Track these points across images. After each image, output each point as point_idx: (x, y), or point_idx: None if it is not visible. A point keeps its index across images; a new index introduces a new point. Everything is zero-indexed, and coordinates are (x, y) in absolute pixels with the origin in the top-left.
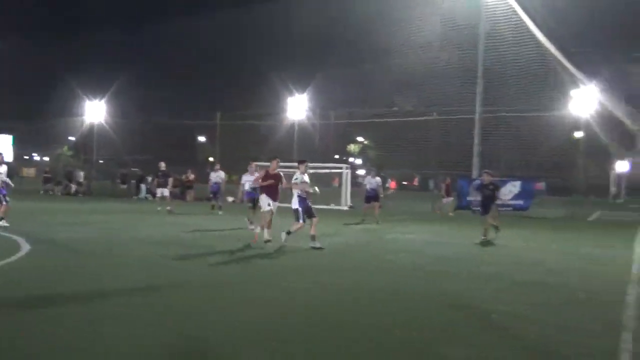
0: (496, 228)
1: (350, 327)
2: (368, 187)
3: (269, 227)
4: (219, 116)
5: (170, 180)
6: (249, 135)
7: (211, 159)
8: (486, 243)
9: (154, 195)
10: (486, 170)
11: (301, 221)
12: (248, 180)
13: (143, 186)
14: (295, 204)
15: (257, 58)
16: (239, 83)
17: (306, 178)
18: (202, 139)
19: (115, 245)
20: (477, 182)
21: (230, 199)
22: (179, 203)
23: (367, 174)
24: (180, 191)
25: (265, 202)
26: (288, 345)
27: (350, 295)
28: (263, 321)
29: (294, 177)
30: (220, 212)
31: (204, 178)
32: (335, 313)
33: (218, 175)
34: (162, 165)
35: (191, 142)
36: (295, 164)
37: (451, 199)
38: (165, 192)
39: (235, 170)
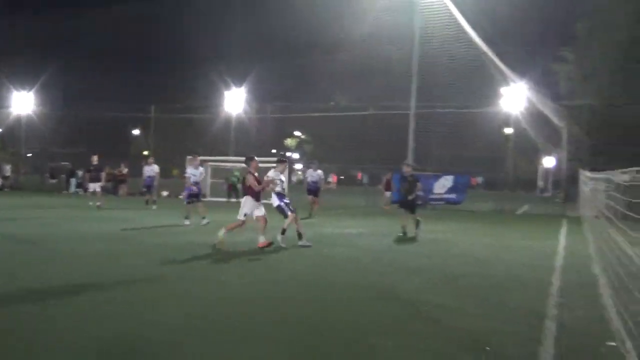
0: (417, 222)
1: (282, 319)
2: (309, 180)
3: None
4: (154, 109)
5: (103, 175)
6: (184, 129)
7: (145, 152)
8: (411, 236)
9: (85, 189)
10: (406, 162)
11: (289, 213)
12: (193, 174)
13: (73, 180)
14: (275, 201)
15: (194, 50)
16: (175, 75)
17: (283, 177)
18: (136, 132)
19: (54, 242)
20: (397, 175)
21: (164, 193)
22: (112, 198)
23: (309, 167)
24: (113, 185)
25: (254, 207)
26: (223, 339)
27: (283, 288)
28: (200, 316)
29: (268, 174)
30: (154, 207)
31: (138, 172)
32: (268, 306)
33: (152, 169)
34: (95, 159)
35: (124, 135)
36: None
37: (389, 193)
38: (97, 187)
39: (171, 164)
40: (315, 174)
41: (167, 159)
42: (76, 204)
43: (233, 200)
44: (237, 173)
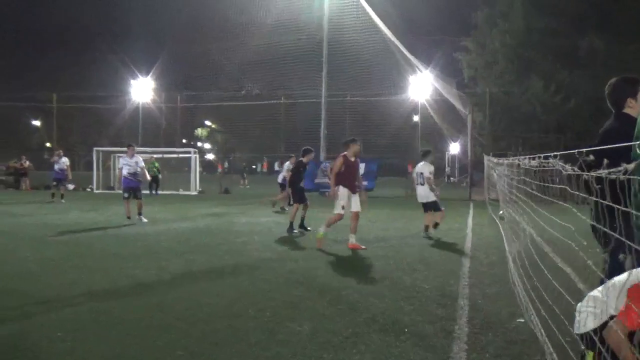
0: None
1: (203, 309)
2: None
3: (329, 225)
4: (55, 98)
5: None
6: (89, 119)
7: (48, 144)
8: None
9: None
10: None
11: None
12: (126, 164)
13: None
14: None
15: (97, 37)
16: (77, 63)
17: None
18: (36, 122)
19: None
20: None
21: (70, 186)
22: (13, 192)
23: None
24: (15, 179)
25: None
26: (142, 331)
27: (200, 278)
28: (119, 307)
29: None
30: (62, 201)
31: (40, 165)
32: (185, 297)
33: (63, 162)
34: None
35: (24, 126)
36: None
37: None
38: None
39: (78, 156)
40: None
41: (73, 151)
42: None
43: (154, 193)
44: (157, 164)
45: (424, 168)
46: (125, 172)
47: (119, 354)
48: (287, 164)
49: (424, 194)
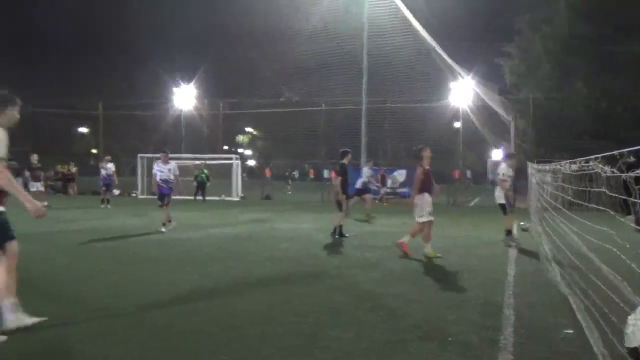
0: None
1: (241, 315)
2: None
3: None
4: (101, 106)
5: (42, 175)
6: (133, 126)
7: (94, 150)
8: (374, 229)
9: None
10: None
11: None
12: (159, 171)
13: (20, 179)
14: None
15: (142, 46)
16: (123, 72)
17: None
18: (82, 129)
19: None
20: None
21: (116, 191)
22: (61, 197)
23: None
24: (62, 184)
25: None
26: (178, 337)
27: (243, 284)
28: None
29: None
30: (108, 206)
31: (86, 170)
32: (225, 303)
33: (110, 168)
34: (35, 158)
35: (71, 133)
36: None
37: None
38: (39, 186)
39: (119, 161)
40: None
41: (117, 157)
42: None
43: (199, 198)
44: (206, 171)
45: (501, 169)
46: (158, 178)
47: (153, 359)
48: (365, 170)
49: (497, 194)
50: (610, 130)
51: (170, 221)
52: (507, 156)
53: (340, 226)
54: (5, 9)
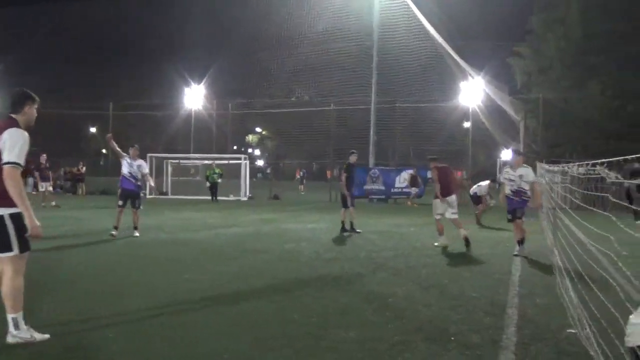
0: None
1: (249, 313)
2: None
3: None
4: (111, 106)
5: (51, 174)
6: (143, 126)
7: (104, 150)
8: (382, 229)
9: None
10: (353, 151)
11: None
12: (129, 165)
13: (30, 180)
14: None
15: (151, 47)
16: (132, 72)
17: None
18: (92, 129)
19: None
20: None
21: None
22: (71, 197)
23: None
24: (72, 184)
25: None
26: (191, 334)
27: (249, 283)
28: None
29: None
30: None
31: (96, 170)
32: (234, 302)
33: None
34: (44, 157)
35: (82, 133)
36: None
37: (416, 189)
38: (48, 186)
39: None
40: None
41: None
42: (33, 204)
43: (214, 199)
44: (217, 170)
45: (503, 173)
46: (125, 170)
47: (167, 355)
48: (484, 186)
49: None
50: (628, 131)
51: (136, 227)
52: (514, 154)
53: (351, 222)
54: (12, 5)
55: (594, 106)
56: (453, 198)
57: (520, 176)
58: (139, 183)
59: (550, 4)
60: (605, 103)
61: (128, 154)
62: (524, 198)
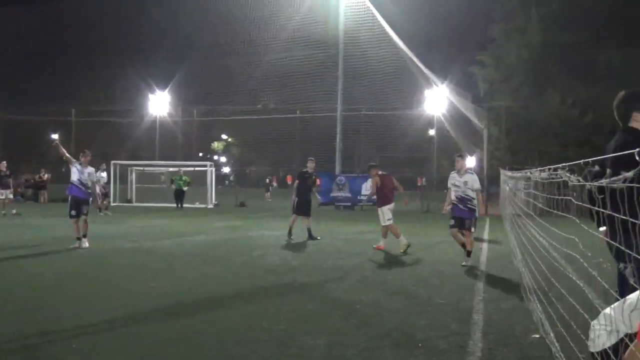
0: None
1: (214, 321)
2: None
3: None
4: (74, 112)
5: (11, 182)
6: (107, 133)
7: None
8: (348, 236)
9: None
10: (310, 158)
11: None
12: (79, 172)
13: None
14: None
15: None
16: (95, 78)
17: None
18: (55, 136)
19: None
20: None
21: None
22: (32, 204)
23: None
24: (33, 192)
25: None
26: (156, 344)
27: (215, 291)
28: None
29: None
30: (109, 213)
31: (59, 177)
32: (199, 310)
33: (105, 177)
34: (4, 165)
35: (43, 140)
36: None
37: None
38: (9, 194)
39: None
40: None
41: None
42: None
43: (179, 206)
44: (185, 177)
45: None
46: (75, 177)
47: None
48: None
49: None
50: (586, 138)
51: (85, 236)
52: (457, 158)
53: (309, 229)
54: None
55: (553, 114)
56: (392, 206)
57: (465, 182)
58: (88, 190)
59: (511, 13)
60: (565, 111)
61: (78, 160)
62: (470, 206)
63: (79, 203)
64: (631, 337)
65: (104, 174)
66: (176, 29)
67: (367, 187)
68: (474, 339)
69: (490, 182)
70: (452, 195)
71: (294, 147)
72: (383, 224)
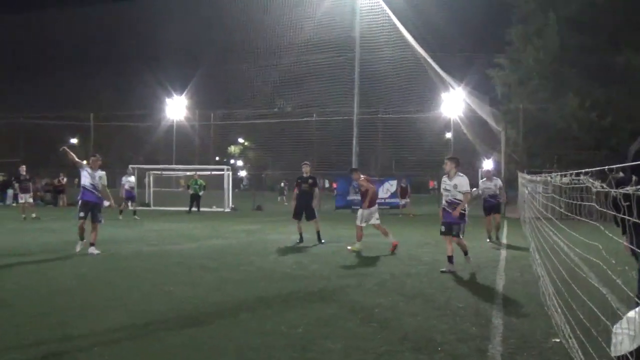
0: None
1: (231, 325)
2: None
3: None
4: (92, 117)
5: (31, 186)
6: (125, 137)
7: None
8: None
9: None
10: (305, 162)
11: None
12: (89, 175)
13: (10, 192)
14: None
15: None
16: (114, 83)
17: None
18: (74, 140)
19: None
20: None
21: (106, 203)
22: (51, 208)
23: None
24: (52, 196)
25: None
26: (175, 348)
27: (232, 295)
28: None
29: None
30: (137, 217)
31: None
32: (217, 314)
33: (132, 181)
34: (23, 169)
35: (62, 144)
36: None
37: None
38: (28, 198)
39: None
40: (492, 185)
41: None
42: (13, 215)
43: (194, 210)
44: (200, 181)
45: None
46: (86, 181)
47: None
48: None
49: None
50: (605, 141)
51: (92, 244)
52: (447, 161)
53: (317, 232)
54: None
55: (572, 117)
56: (376, 207)
57: (455, 186)
58: (99, 195)
59: (529, 16)
60: (583, 114)
61: (88, 163)
62: (460, 212)
63: (91, 207)
64: None
65: (132, 178)
66: (193, 34)
67: (383, 191)
68: (494, 343)
69: (508, 185)
70: (443, 200)
71: (312, 150)
72: (373, 224)
